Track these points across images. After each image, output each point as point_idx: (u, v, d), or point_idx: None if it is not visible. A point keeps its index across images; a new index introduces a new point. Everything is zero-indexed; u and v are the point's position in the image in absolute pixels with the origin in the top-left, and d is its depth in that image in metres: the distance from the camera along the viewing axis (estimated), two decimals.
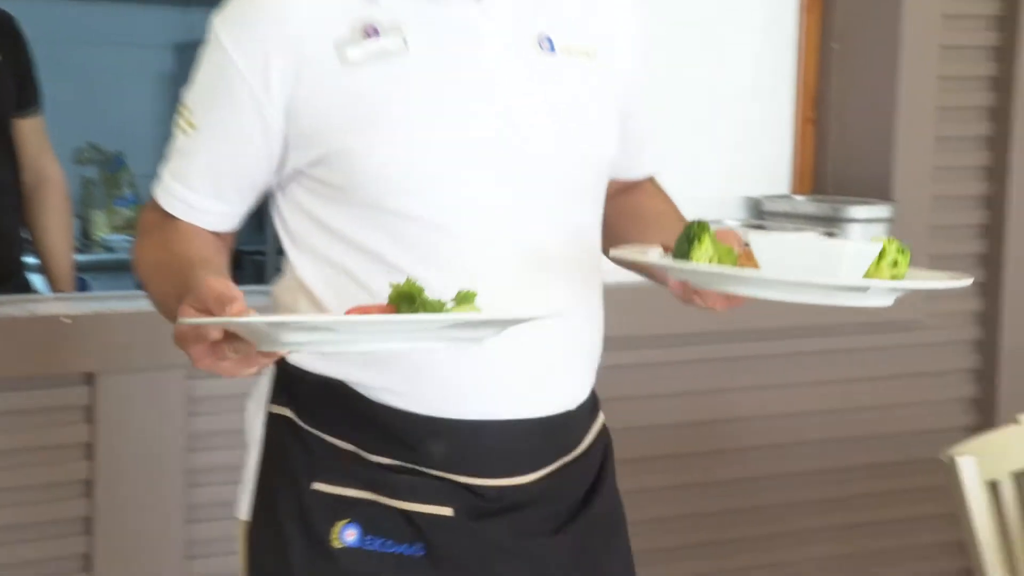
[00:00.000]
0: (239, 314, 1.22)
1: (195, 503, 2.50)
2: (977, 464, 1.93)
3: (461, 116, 1.48)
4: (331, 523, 1.49)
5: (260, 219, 1.85)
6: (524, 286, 1.49)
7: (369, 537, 1.49)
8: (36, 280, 3.18)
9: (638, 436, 2.80)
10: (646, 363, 2.85)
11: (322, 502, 1.50)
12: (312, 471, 1.51)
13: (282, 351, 1.27)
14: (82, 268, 3.58)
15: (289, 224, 1.56)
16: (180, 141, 1.55)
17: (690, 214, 1.68)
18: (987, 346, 3.25)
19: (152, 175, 1.59)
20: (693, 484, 2.96)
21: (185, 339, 1.27)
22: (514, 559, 1.53)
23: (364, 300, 1.41)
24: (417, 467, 1.50)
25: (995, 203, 3.22)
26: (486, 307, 1.28)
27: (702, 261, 1.39)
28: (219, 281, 1.26)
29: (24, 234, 3.06)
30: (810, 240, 1.49)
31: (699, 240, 1.39)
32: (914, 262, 1.39)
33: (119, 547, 2.45)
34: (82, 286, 3.52)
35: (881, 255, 1.35)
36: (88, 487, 2.43)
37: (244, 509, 1.59)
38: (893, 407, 3.15)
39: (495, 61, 1.50)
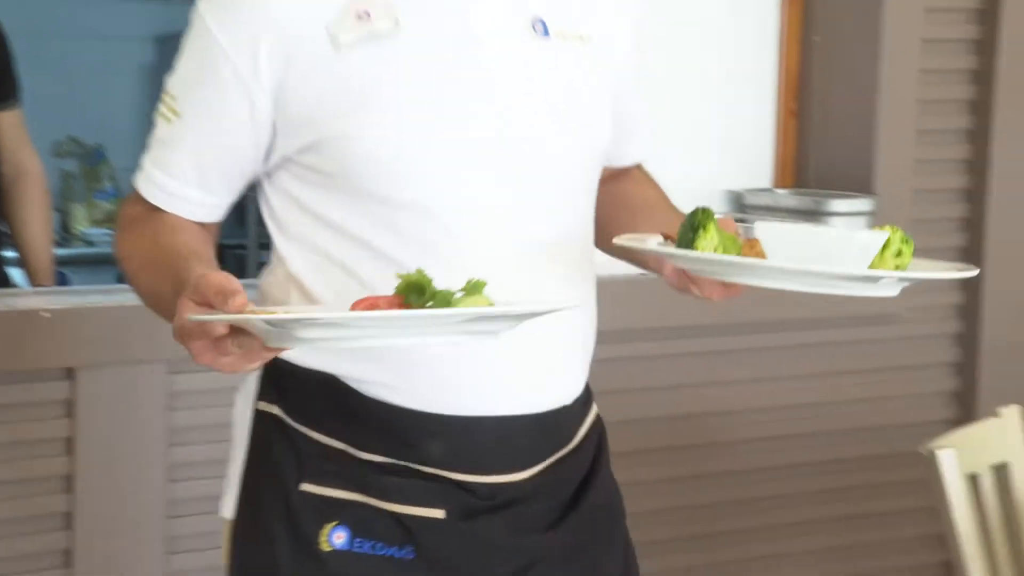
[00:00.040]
0: (241, 307, 1.17)
1: (176, 498, 2.49)
2: (957, 457, 1.93)
3: (458, 111, 1.45)
4: (320, 525, 1.46)
5: (241, 213, 1.83)
6: (520, 271, 1.46)
7: (359, 540, 1.46)
8: (15, 274, 3.16)
9: (628, 429, 2.79)
10: (637, 356, 2.85)
11: (310, 504, 1.47)
12: (300, 471, 1.48)
13: (291, 347, 1.23)
14: (62, 262, 3.57)
15: (277, 213, 1.51)
16: (163, 129, 1.48)
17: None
18: (967, 339, 3.25)
19: (133, 168, 1.54)
20: (680, 477, 2.96)
21: (187, 334, 1.22)
22: (509, 557, 1.50)
23: (355, 289, 1.37)
24: (410, 464, 1.47)
25: (976, 196, 3.23)
26: (500, 299, 1.23)
27: (707, 250, 1.35)
28: (220, 274, 1.21)
29: (3, 227, 3.05)
30: (817, 230, 1.46)
31: (704, 228, 1.35)
32: None
33: (99, 542, 2.44)
34: (62, 280, 3.52)
35: (885, 245, 1.33)
36: (68, 482, 2.42)
37: (229, 508, 1.55)
38: (873, 400, 3.15)
39: (490, 49, 1.46)
